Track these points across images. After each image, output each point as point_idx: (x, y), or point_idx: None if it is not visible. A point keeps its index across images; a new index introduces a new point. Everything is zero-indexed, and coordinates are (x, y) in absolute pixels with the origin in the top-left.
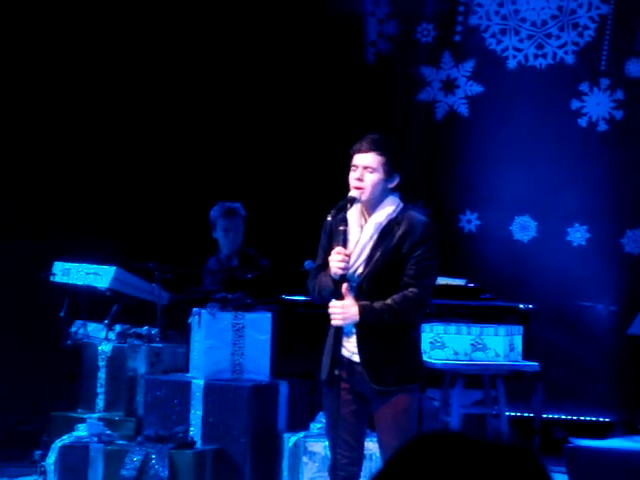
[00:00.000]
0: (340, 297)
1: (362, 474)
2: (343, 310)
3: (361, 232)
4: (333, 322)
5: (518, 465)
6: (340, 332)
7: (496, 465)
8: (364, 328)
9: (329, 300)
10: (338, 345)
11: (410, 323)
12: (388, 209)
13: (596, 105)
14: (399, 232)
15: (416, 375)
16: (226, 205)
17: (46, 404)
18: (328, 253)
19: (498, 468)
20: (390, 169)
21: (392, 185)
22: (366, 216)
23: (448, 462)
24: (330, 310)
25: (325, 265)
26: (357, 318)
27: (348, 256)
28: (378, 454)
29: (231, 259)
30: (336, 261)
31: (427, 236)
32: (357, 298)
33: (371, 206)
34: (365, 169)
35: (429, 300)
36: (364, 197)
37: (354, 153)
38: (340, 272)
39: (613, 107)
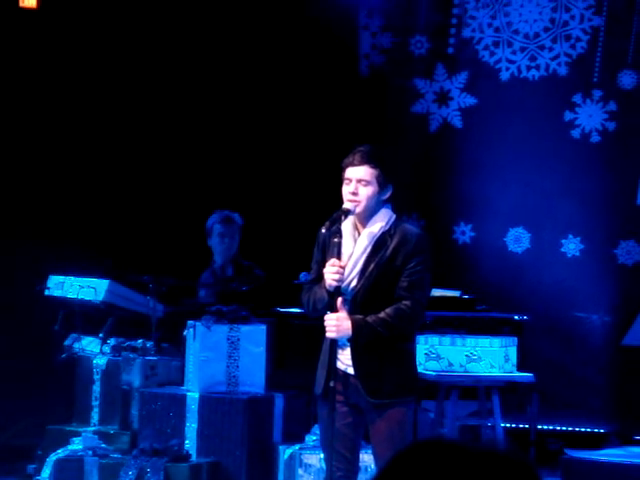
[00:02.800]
0: (335, 310)
1: None
2: (337, 323)
3: (355, 244)
4: (328, 335)
5: (513, 473)
6: (335, 344)
7: (491, 473)
8: (358, 342)
9: (324, 314)
10: (333, 357)
11: (404, 336)
12: (381, 221)
13: (589, 117)
14: (392, 244)
15: (411, 387)
16: (224, 212)
17: (41, 418)
18: (322, 266)
19: (493, 476)
20: (383, 181)
21: (385, 197)
22: (360, 228)
23: (443, 470)
24: (325, 323)
25: (319, 278)
26: (350, 332)
27: (343, 268)
28: (373, 466)
29: (225, 269)
30: (331, 273)
31: (421, 248)
32: (352, 311)
33: (365, 218)
34: (359, 182)
35: (423, 312)
36: (359, 210)
37: (346, 166)
38: (335, 284)
39: (606, 119)
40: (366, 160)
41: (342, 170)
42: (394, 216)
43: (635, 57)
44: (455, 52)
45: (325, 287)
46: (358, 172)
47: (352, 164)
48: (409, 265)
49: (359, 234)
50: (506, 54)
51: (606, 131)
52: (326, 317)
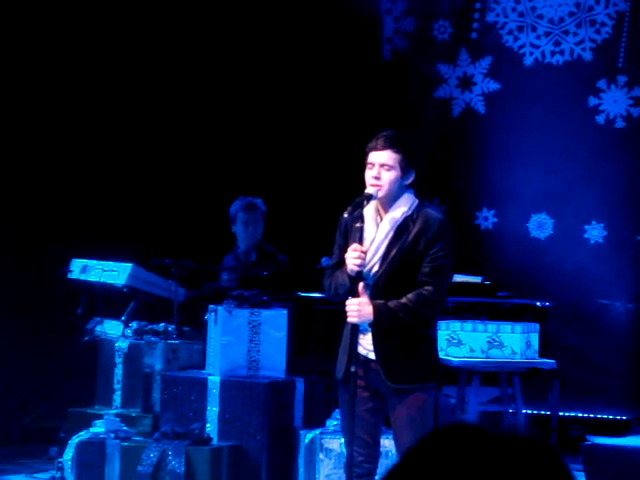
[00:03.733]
0: (356, 295)
1: (378, 471)
2: (359, 308)
3: (377, 229)
4: (349, 320)
5: (537, 458)
6: (356, 330)
7: (514, 458)
8: (379, 327)
9: (345, 298)
10: (354, 343)
11: (426, 321)
12: (404, 206)
13: (613, 102)
14: (415, 229)
15: (432, 373)
16: (247, 199)
17: (63, 400)
18: (344, 251)
19: (516, 461)
20: (406, 166)
21: (408, 182)
22: (382, 213)
23: (466, 454)
24: (347, 308)
25: (341, 263)
26: (371, 317)
27: (364, 253)
28: (394, 451)
29: (249, 254)
30: (352, 258)
31: (443, 233)
32: (373, 296)
33: (387, 203)
34: (382, 167)
35: (445, 298)
36: (381, 194)
37: (370, 151)
38: (357, 269)
39: (630, 104)
40: (389, 145)
41: (365, 154)
42: (417, 201)
43: None
44: (478, 37)
45: (347, 272)
46: (381, 157)
47: (375, 148)
48: (431, 250)
49: (381, 219)
50: (530, 39)
51: (631, 117)
52: (348, 302)
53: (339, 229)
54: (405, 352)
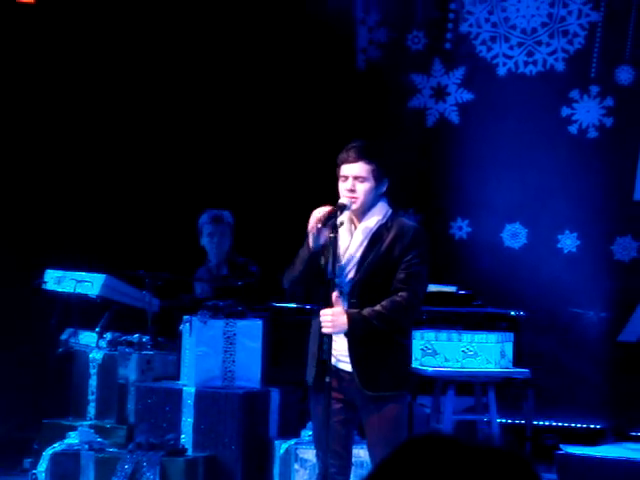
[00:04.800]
0: (330, 305)
1: None
2: (333, 318)
3: (351, 238)
4: (324, 330)
5: (510, 469)
6: (330, 340)
7: (489, 468)
8: (354, 336)
9: (296, 287)
10: (328, 353)
11: (400, 329)
12: (378, 215)
13: (586, 112)
14: (389, 237)
15: (406, 382)
16: (213, 212)
17: (37, 412)
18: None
19: (490, 472)
20: (379, 175)
21: (382, 191)
22: (356, 222)
23: (440, 465)
24: (321, 318)
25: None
26: (346, 327)
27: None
28: (369, 462)
29: (220, 268)
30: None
31: (418, 241)
32: (349, 304)
33: (361, 212)
34: (356, 179)
35: (419, 305)
36: (356, 207)
37: (342, 163)
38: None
39: (603, 114)
40: (361, 156)
41: (337, 166)
42: (391, 210)
43: (632, 53)
44: (452, 47)
45: (308, 247)
46: (354, 169)
47: (347, 161)
48: (406, 258)
49: (355, 227)
50: (503, 49)
51: (603, 127)
52: (322, 312)
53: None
54: (380, 360)
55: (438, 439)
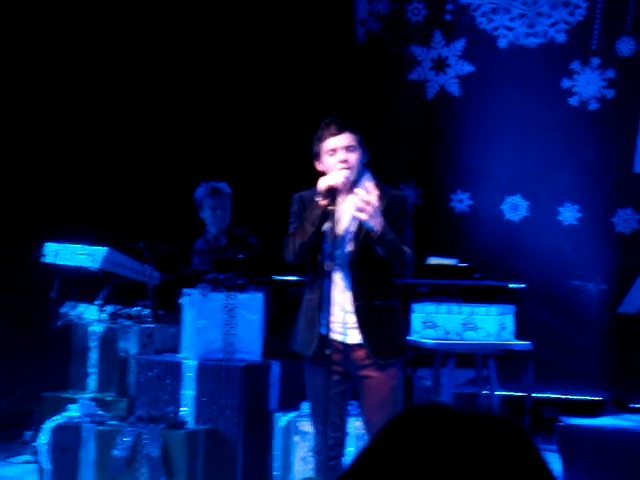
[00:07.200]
0: (321, 252)
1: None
2: (373, 208)
3: (343, 211)
4: (357, 213)
5: (508, 438)
6: (327, 307)
7: (486, 437)
8: (381, 240)
9: (306, 253)
10: (327, 327)
11: (400, 269)
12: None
13: (587, 84)
14: (382, 208)
15: (408, 347)
16: (211, 184)
17: (37, 385)
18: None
19: (486, 441)
20: (364, 145)
21: (365, 161)
22: (344, 195)
23: (438, 434)
24: (359, 199)
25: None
26: (381, 225)
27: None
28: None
29: (219, 239)
30: (338, 171)
31: (408, 209)
32: (346, 276)
33: (351, 185)
34: (347, 149)
35: (413, 267)
36: (353, 176)
37: (325, 138)
38: (341, 180)
39: (604, 86)
40: (345, 127)
41: (315, 145)
42: (375, 180)
43: (633, 24)
44: (452, 19)
45: (318, 208)
46: (342, 140)
47: (332, 134)
48: (399, 222)
49: (345, 201)
50: (504, 21)
51: (604, 98)
52: (357, 191)
53: (297, 203)
54: (387, 328)
55: (436, 409)
